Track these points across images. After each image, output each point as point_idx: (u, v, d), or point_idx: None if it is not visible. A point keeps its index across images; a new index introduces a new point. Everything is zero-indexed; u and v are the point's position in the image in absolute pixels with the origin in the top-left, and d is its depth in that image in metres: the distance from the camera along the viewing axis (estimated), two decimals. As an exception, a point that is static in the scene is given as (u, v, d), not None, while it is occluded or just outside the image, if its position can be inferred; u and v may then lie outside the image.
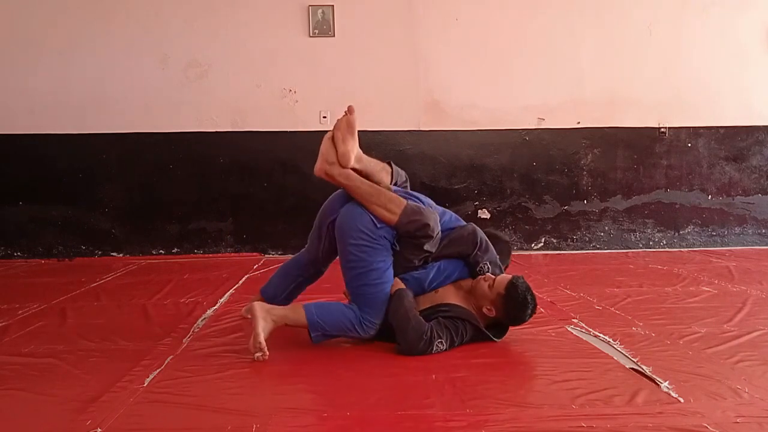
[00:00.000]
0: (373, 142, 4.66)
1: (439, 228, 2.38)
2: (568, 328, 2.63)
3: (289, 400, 1.88)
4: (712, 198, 5.25)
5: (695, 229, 5.24)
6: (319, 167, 2.38)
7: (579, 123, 5.10)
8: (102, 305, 3.23)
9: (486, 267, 2.44)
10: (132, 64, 4.86)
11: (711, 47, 5.14)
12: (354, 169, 2.37)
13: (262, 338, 2.21)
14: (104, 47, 4.84)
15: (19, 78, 4.82)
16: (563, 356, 2.27)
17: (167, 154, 4.92)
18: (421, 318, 2.28)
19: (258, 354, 2.21)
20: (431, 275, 2.44)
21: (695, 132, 5.21)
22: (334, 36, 4.91)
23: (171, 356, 2.28)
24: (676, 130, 5.18)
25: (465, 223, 2.58)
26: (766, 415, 1.73)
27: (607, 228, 5.20)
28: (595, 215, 5.19)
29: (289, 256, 2.91)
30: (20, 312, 3.03)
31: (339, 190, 2.47)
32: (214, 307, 3.09)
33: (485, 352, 2.28)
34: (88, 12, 4.82)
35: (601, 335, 2.51)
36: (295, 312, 2.35)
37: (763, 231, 5.27)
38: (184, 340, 2.50)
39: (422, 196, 2.49)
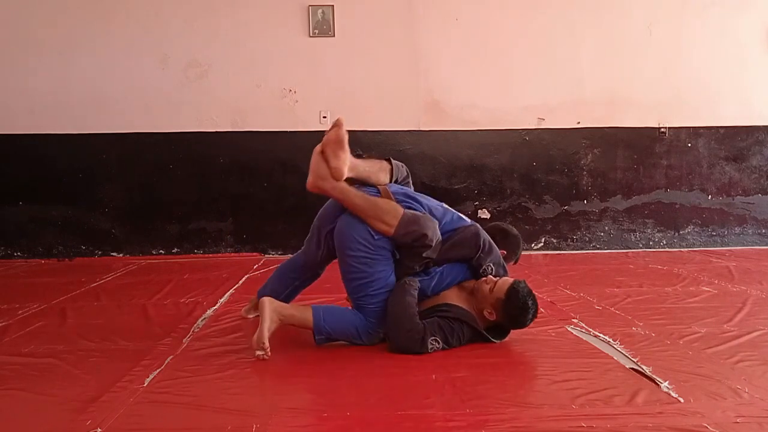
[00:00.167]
0: (373, 142, 4.65)
1: (438, 235, 2.34)
2: (568, 328, 2.63)
3: (289, 400, 1.89)
4: (712, 198, 5.25)
5: (695, 229, 5.24)
6: (311, 183, 2.34)
7: (579, 123, 5.10)
8: (102, 305, 3.23)
9: (489, 269, 2.41)
10: (132, 64, 4.86)
11: (711, 47, 5.14)
12: (348, 178, 2.34)
13: (266, 338, 2.21)
14: (104, 47, 4.84)
15: (19, 78, 4.82)
16: (563, 356, 2.26)
17: (167, 154, 4.92)
18: (417, 316, 2.26)
19: (260, 352, 2.20)
20: (432, 284, 2.42)
21: (695, 132, 5.21)
22: (334, 36, 4.91)
23: (171, 356, 2.28)
24: (676, 130, 5.18)
25: (468, 221, 2.53)
26: (766, 415, 1.73)
27: (607, 228, 5.20)
28: (595, 215, 5.19)
29: (289, 256, 2.91)
30: (20, 312, 3.03)
31: None
32: (214, 307, 3.09)
33: (485, 352, 2.28)
34: (88, 12, 4.82)
35: (601, 335, 2.50)
36: (302, 313, 2.35)
37: (763, 231, 5.27)
38: (184, 340, 2.50)
39: (423, 197, 2.46)
